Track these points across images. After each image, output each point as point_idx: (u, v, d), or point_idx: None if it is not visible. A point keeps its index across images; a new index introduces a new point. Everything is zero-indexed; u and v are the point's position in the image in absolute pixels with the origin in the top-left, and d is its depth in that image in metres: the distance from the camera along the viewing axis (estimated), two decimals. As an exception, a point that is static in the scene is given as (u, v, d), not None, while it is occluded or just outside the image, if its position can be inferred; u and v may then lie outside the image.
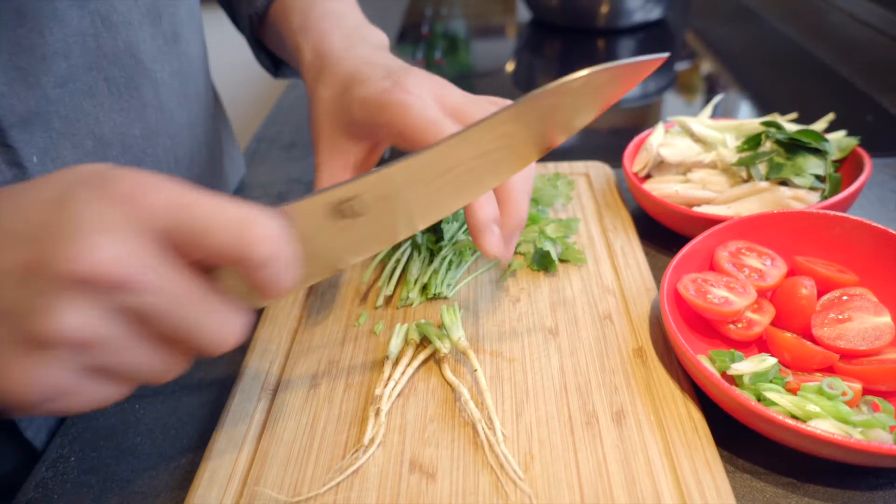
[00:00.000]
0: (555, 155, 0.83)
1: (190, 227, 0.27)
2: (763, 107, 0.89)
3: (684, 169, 0.61)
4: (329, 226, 0.35)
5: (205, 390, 0.48)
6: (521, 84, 1.08)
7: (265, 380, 0.46)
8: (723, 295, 0.46)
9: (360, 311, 0.52)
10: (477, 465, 0.39)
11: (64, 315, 0.24)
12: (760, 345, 0.47)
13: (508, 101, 0.41)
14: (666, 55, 0.37)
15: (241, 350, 0.51)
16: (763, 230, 0.51)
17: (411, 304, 0.52)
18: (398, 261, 0.55)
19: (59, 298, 0.24)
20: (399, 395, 0.44)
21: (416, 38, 1.26)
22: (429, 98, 0.44)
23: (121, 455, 0.43)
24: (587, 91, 0.36)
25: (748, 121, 0.62)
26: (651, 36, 1.20)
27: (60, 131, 0.43)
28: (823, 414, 0.38)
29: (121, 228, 0.26)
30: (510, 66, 1.15)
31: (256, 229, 0.28)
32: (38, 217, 0.25)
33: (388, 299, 0.53)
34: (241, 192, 0.75)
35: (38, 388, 0.25)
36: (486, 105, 0.47)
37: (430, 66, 1.14)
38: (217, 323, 0.29)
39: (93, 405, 0.28)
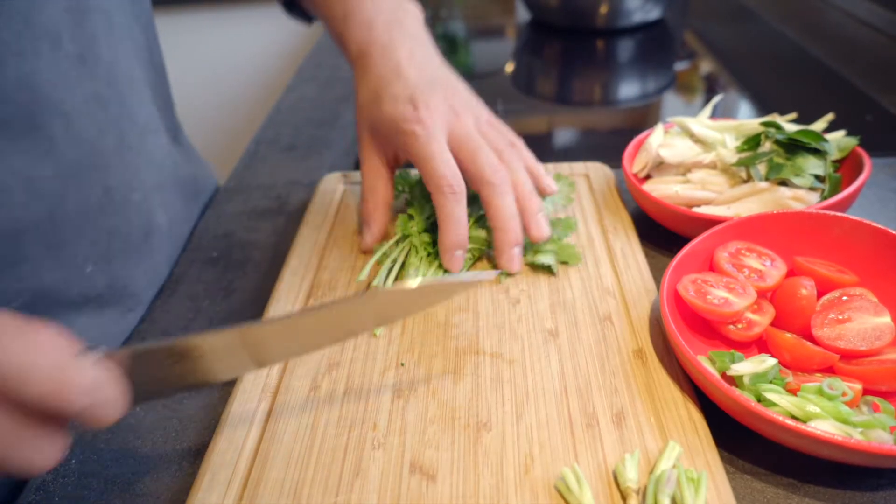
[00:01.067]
0: (554, 156, 0.83)
1: (6, 379, 0.28)
2: (762, 107, 0.89)
3: (684, 169, 0.61)
4: (169, 366, 0.35)
5: (205, 393, 0.48)
6: (521, 85, 1.08)
7: (265, 382, 0.46)
8: (723, 296, 0.46)
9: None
10: (478, 468, 0.39)
11: None
12: (760, 345, 0.47)
13: (517, 138, 0.53)
14: (495, 274, 0.42)
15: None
16: (763, 231, 0.51)
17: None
18: (395, 260, 0.55)
19: None
20: (399, 396, 0.44)
21: (415, 40, 1.26)
22: (439, 131, 0.51)
23: (121, 457, 0.43)
24: (419, 296, 0.39)
25: (747, 121, 0.62)
26: (650, 36, 1.20)
27: None
28: (823, 414, 0.38)
29: None
30: (510, 67, 1.15)
31: (72, 382, 0.29)
32: None
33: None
34: (216, 201, 0.73)
35: None
36: (493, 135, 0.53)
37: (429, 67, 1.14)
38: (26, 452, 0.30)
39: None
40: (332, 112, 0.94)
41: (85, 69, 0.48)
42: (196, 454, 0.43)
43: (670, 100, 0.99)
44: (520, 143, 0.58)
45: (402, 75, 0.53)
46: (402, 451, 0.40)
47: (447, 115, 0.52)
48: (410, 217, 0.57)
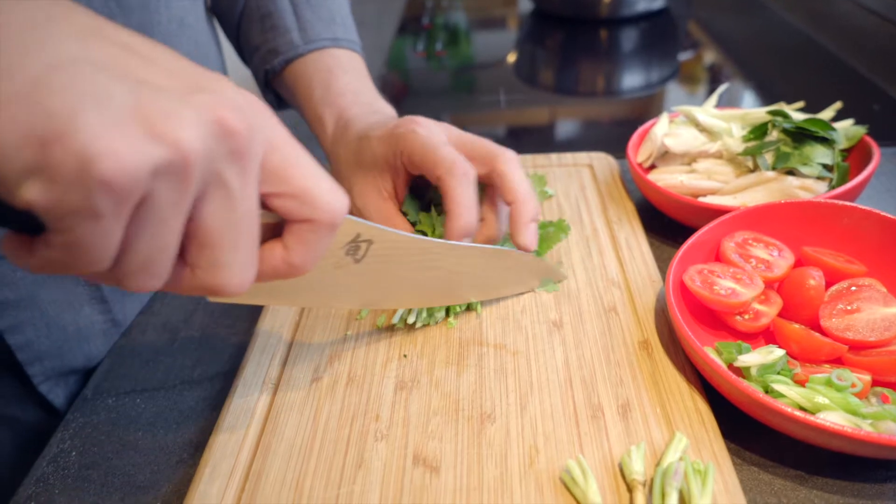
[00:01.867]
0: (557, 146, 0.82)
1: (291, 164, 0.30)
2: (767, 97, 0.89)
3: (689, 159, 0.61)
4: (335, 257, 0.38)
5: (206, 384, 0.48)
6: (524, 75, 1.07)
7: (267, 374, 0.46)
8: (729, 286, 0.46)
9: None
10: (481, 460, 0.38)
11: (190, 129, 0.24)
12: (768, 336, 0.46)
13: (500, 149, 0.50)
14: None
15: (243, 344, 0.50)
16: (770, 220, 0.50)
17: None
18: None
19: (195, 120, 0.25)
20: (402, 388, 0.44)
21: (416, 30, 1.25)
22: (436, 128, 0.50)
23: (122, 449, 0.43)
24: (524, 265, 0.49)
25: (754, 110, 0.61)
26: (653, 26, 1.19)
27: None
28: (832, 406, 0.38)
29: (261, 129, 0.28)
30: (512, 58, 1.14)
31: (342, 204, 0.31)
32: (202, 73, 0.28)
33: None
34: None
35: (110, 164, 0.22)
36: (483, 141, 0.51)
37: (430, 57, 1.13)
38: (243, 259, 0.29)
39: (75, 259, 0.25)
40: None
41: (182, 30, 0.56)
42: (197, 446, 0.43)
43: (674, 90, 0.98)
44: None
45: (385, 121, 0.53)
46: (405, 443, 0.40)
47: (439, 124, 0.51)
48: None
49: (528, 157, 0.69)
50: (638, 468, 0.36)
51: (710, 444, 0.38)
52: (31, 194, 0.22)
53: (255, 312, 0.53)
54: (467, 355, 0.46)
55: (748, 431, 0.40)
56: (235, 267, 0.28)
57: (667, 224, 0.58)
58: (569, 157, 0.69)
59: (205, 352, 0.51)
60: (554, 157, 0.69)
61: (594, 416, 0.40)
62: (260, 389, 0.44)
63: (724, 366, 0.39)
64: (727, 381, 0.38)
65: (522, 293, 0.51)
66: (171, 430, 0.44)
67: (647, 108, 0.94)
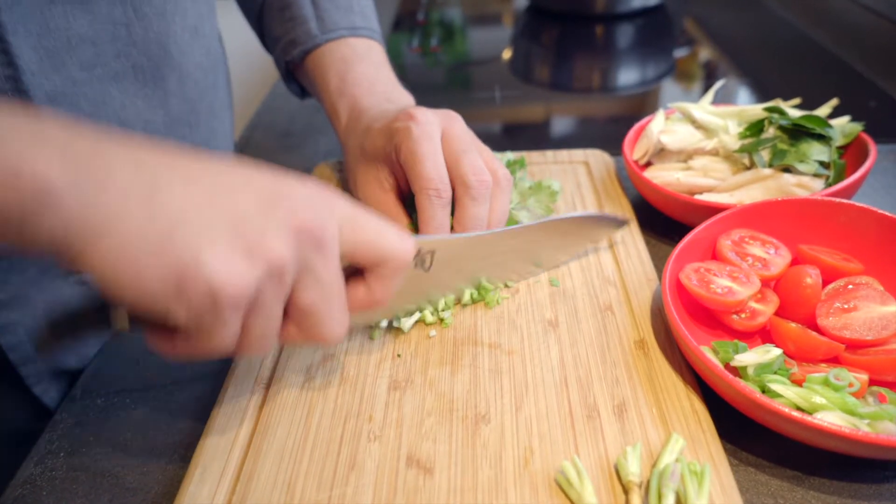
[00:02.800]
0: (552, 143, 0.82)
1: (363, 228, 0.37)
2: (763, 94, 0.88)
3: (685, 156, 0.60)
4: (409, 273, 0.42)
5: (197, 384, 0.47)
6: (519, 72, 1.06)
7: (258, 372, 0.45)
8: (726, 285, 0.45)
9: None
10: (476, 461, 0.38)
11: (278, 242, 0.32)
12: (764, 335, 0.46)
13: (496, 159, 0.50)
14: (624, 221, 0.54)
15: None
16: (766, 218, 0.50)
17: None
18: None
19: (280, 232, 0.32)
20: (395, 388, 0.43)
21: (411, 26, 1.24)
22: (434, 129, 0.48)
23: (111, 451, 0.42)
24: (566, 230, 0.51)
25: (750, 107, 0.60)
26: (649, 22, 1.19)
27: (87, 112, 0.47)
28: (830, 406, 0.37)
29: (331, 216, 0.35)
30: (507, 54, 1.13)
31: (408, 247, 0.38)
32: (273, 180, 0.34)
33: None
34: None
35: (229, 286, 0.30)
36: (476, 152, 0.49)
37: (426, 53, 1.12)
38: (338, 317, 0.36)
39: (210, 349, 0.33)
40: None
41: (196, 39, 0.57)
42: (188, 447, 0.42)
43: (668, 87, 0.97)
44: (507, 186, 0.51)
45: (392, 110, 0.52)
46: (399, 444, 0.39)
47: (443, 119, 0.49)
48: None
49: (524, 154, 0.68)
50: (634, 469, 0.36)
51: (707, 445, 0.37)
52: (179, 317, 0.31)
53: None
54: (462, 355, 0.45)
55: (745, 431, 0.40)
56: (332, 323, 0.36)
57: (663, 222, 0.58)
58: (564, 153, 0.68)
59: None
60: (550, 153, 0.68)
61: (590, 416, 0.40)
62: (251, 389, 0.44)
63: (720, 365, 0.39)
64: (724, 380, 0.37)
65: (586, 250, 0.54)
66: (161, 430, 0.44)
67: (642, 104, 0.93)
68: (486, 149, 0.51)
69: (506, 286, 0.51)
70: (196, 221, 0.30)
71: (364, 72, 0.58)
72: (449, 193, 0.47)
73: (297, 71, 0.64)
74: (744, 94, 0.91)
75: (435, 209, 0.46)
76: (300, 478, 0.38)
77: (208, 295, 0.30)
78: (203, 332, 0.32)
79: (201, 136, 0.60)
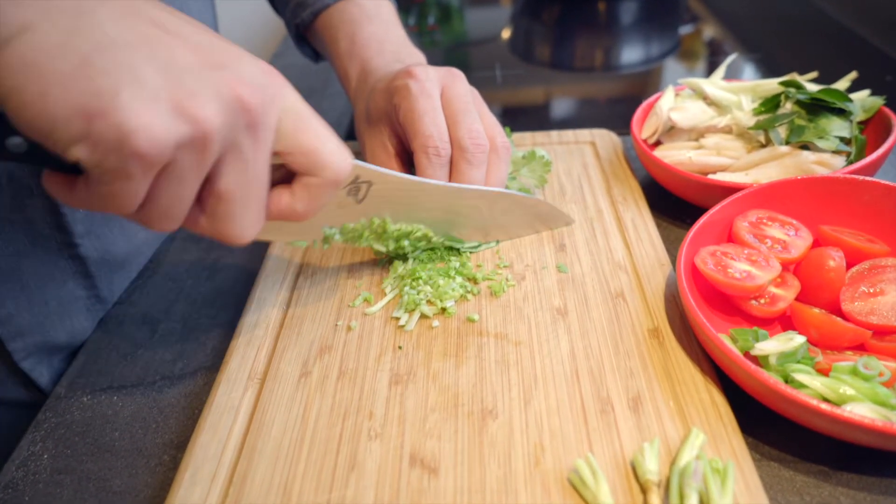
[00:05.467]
0: (555, 123, 0.79)
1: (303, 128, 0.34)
2: (772, 71, 0.85)
3: (696, 134, 0.58)
4: (338, 198, 0.41)
5: (187, 380, 0.45)
6: (519, 51, 1.03)
7: (252, 368, 0.43)
8: (744, 269, 0.43)
9: (355, 290, 0.48)
10: (483, 459, 0.35)
11: (210, 107, 0.29)
12: (784, 322, 0.43)
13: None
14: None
15: (227, 336, 0.47)
16: (785, 198, 0.47)
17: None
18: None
19: (215, 98, 0.29)
20: (397, 382, 0.41)
21: (407, 5, 1.21)
22: (433, 87, 0.47)
23: (97, 452, 0.40)
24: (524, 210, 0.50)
25: (765, 81, 0.58)
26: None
27: None
28: (859, 397, 0.35)
29: (274, 101, 0.32)
30: (506, 34, 1.10)
31: (346, 163, 0.36)
32: (224, 46, 0.31)
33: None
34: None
35: (143, 138, 0.27)
36: (476, 114, 0.48)
37: (422, 33, 1.09)
38: (253, 215, 0.33)
39: (108, 203, 0.30)
40: (322, 80, 0.89)
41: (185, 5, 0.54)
42: (178, 447, 0.40)
43: (672, 66, 0.94)
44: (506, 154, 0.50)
45: (402, 61, 0.52)
46: (401, 442, 0.37)
47: (444, 77, 0.49)
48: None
49: (528, 135, 0.66)
50: (652, 467, 0.33)
51: (729, 440, 0.35)
52: (78, 155, 0.27)
53: (240, 302, 0.50)
54: (466, 346, 0.43)
55: (767, 425, 0.37)
56: (245, 220, 0.33)
57: (674, 203, 0.55)
58: (570, 134, 0.65)
59: (186, 345, 0.48)
60: (554, 134, 0.65)
61: (603, 410, 0.38)
62: (245, 385, 0.41)
63: (740, 354, 0.36)
64: (745, 370, 0.35)
65: (527, 235, 0.52)
66: (150, 430, 0.41)
67: (644, 84, 0.91)
68: (488, 112, 0.51)
69: (450, 250, 0.50)
70: (124, 55, 0.27)
71: (374, 32, 0.57)
72: (448, 152, 0.46)
73: (307, 34, 0.63)
74: (750, 71, 0.88)
75: (434, 168, 0.46)
76: (297, 479, 0.36)
77: (117, 139, 0.27)
78: (103, 184, 0.29)
79: None
